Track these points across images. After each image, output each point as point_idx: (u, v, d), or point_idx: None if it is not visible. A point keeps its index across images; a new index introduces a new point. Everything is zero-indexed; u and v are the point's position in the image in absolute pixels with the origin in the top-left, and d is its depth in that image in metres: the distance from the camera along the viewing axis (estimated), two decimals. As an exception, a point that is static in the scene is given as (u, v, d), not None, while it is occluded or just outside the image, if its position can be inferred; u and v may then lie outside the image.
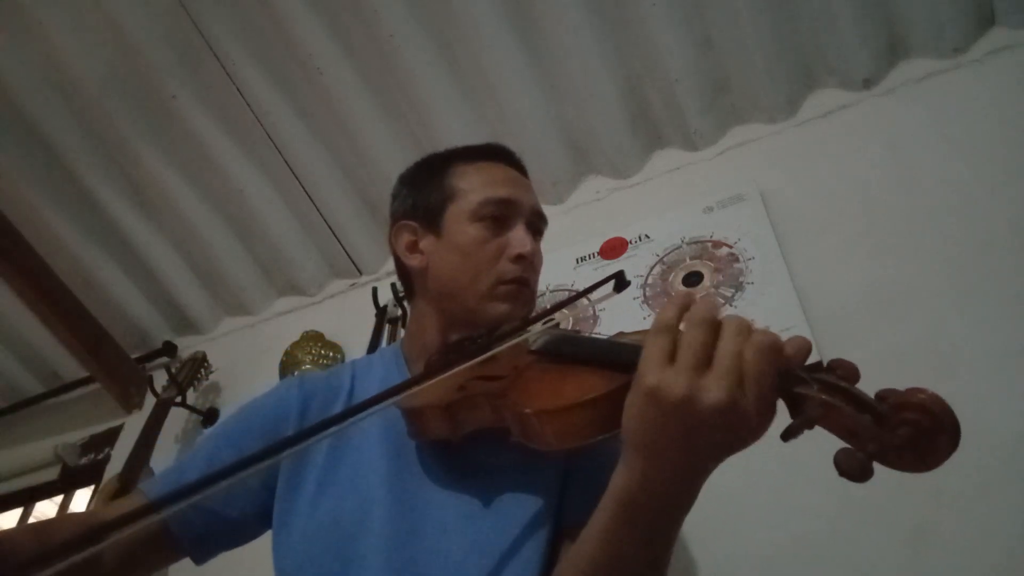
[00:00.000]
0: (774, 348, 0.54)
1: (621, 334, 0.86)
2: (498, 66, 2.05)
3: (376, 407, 0.67)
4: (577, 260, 2.05)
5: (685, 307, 0.58)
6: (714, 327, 0.56)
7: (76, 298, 2.34)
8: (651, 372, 0.56)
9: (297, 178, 2.30)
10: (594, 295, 0.89)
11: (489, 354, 0.77)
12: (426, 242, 0.99)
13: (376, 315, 2.17)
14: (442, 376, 0.73)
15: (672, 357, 0.55)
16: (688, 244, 1.91)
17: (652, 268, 1.92)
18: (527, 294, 0.98)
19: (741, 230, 1.85)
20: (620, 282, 0.86)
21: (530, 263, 0.97)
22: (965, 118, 1.77)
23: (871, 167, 1.82)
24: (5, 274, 2.19)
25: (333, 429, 0.64)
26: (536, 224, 1.02)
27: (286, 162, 2.27)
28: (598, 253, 2.04)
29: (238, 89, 2.15)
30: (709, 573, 1.39)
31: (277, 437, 0.90)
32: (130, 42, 2.08)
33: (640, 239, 2.00)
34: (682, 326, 0.58)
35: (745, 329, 0.56)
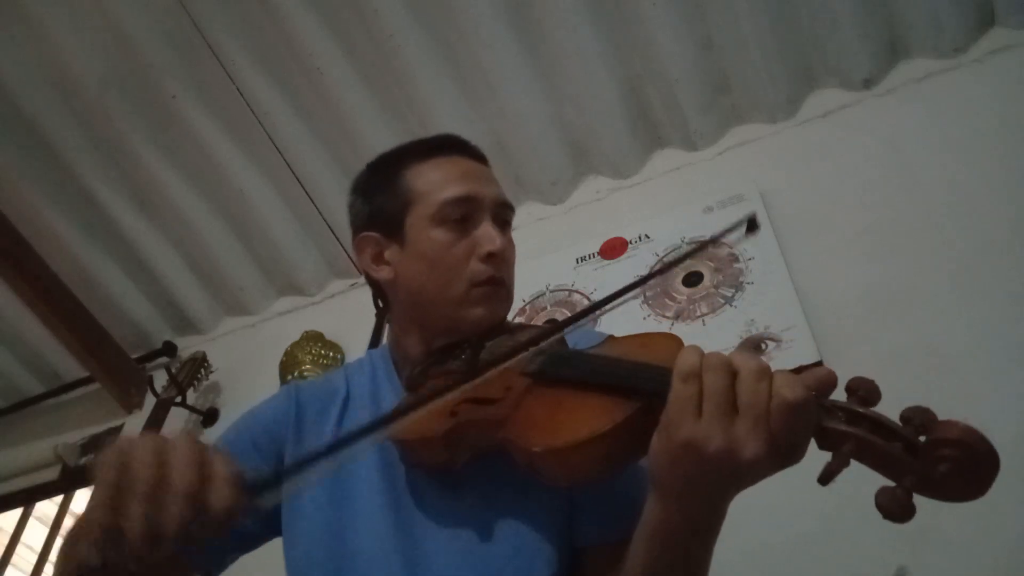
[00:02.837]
0: (807, 404, 0.55)
1: (611, 339, 0.84)
2: (498, 66, 2.05)
3: (366, 436, 0.64)
4: (577, 260, 2.05)
5: (701, 352, 0.59)
6: (728, 371, 0.56)
7: (76, 298, 2.34)
8: (682, 424, 0.56)
9: (297, 178, 2.30)
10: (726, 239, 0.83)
11: (479, 380, 0.72)
12: (391, 252, 0.94)
13: (376, 315, 2.16)
14: (429, 406, 0.70)
15: (698, 406, 0.56)
16: (688, 244, 1.91)
17: (652, 268, 1.91)
18: (503, 292, 0.93)
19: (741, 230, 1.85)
20: (752, 224, 0.83)
21: (502, 259, 0.92)
22: (965, 118, 1.77)
23: (871, 167, 1.81)
24: (5, 274, 2.19)
25: (326, 458, 0.63)
26: (503, 215, 0.96)
27: (286, 162, 2.27)
28: (598, 253, 2.04)
29: (238, 89, 2.15)
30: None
31: (276, 449, 0.91)
32: (130, 42, 2.08)
33: (640, 239, 2.00)
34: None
35: (766, 372, 0.56)
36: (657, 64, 2.02)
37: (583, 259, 2.04)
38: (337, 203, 2.34)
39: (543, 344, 0.78)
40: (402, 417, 0.68)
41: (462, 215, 0.91)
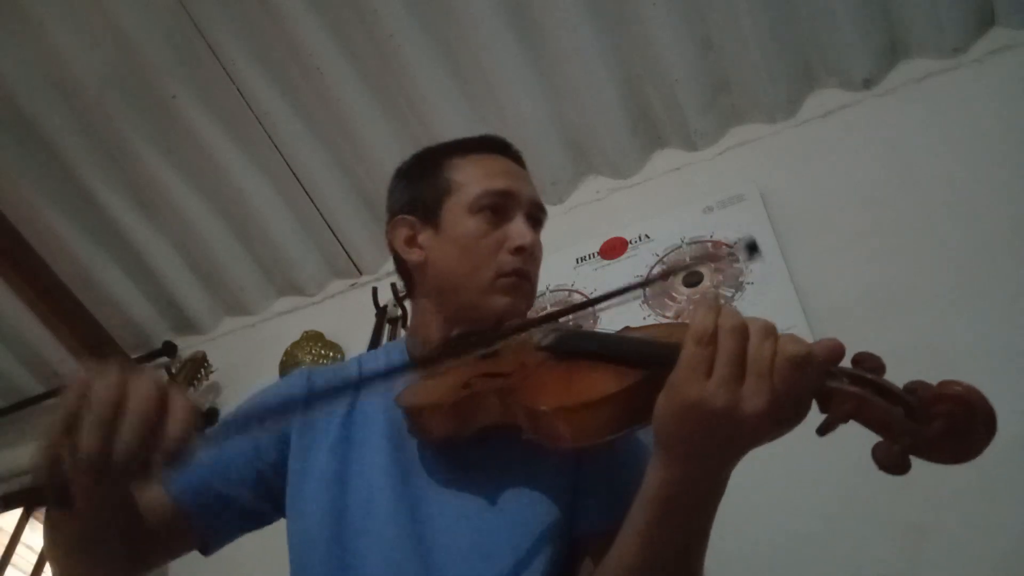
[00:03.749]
0: (808, 359, 0.55)
1: (628, 329, 0.85)
2: (498, 66, 2.05)
3: (382, 381, 0.66)
4: (577, 260, 2.05)
5: (717, 314, 0.58)
6: (744, 334, 0.57)
7: (76, 298, 2.34)
8: (691, 384, 0.57)
9: (297, 178, 2.30)
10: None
11: (493, 348, 0.75)
12: (424, 236, 0.98)
13: (376, 315, 2.17)
14: (447, 364, 0.71)
15: (709, 368, 0.56)
16: (688, 244, 1.91)
17: (652, 268, 1.92)
18: (527, 287, 0.97)
19: (741, 230, 1.85)
20: (752, 248, 0.85)
21: (530, 255, 0.96)
22: (965, 118, 1.77)
23: (871, 167, 1.82)
24: (5, 274, 2.19)
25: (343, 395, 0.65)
26: (535, 216, 1.01)
27: (286, 162, 2.27)
28: (598, 253, 2.04)
29: (238, 89, 2.15)
30: (708, 572, 1.39)
31: (283, 428, 0.92)
32: (130, 42, 2.08)
33: (640, 239, 2.00)
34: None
35: (772, 331, 0.57)
36: (657, 64, 2.02)
37: (583, 259, 2.04)
38: (337, 203, 2.34)
39: (556, 323, 0.80)
40: (423, 367, 0.72)
41: (498, 207, 0.95)
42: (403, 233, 1.00)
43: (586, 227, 2.11)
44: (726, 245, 1.84)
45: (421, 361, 0.73)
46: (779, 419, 0.56)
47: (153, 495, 0.84)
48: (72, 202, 2.36)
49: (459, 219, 0.95)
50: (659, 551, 0.65)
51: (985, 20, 1.88)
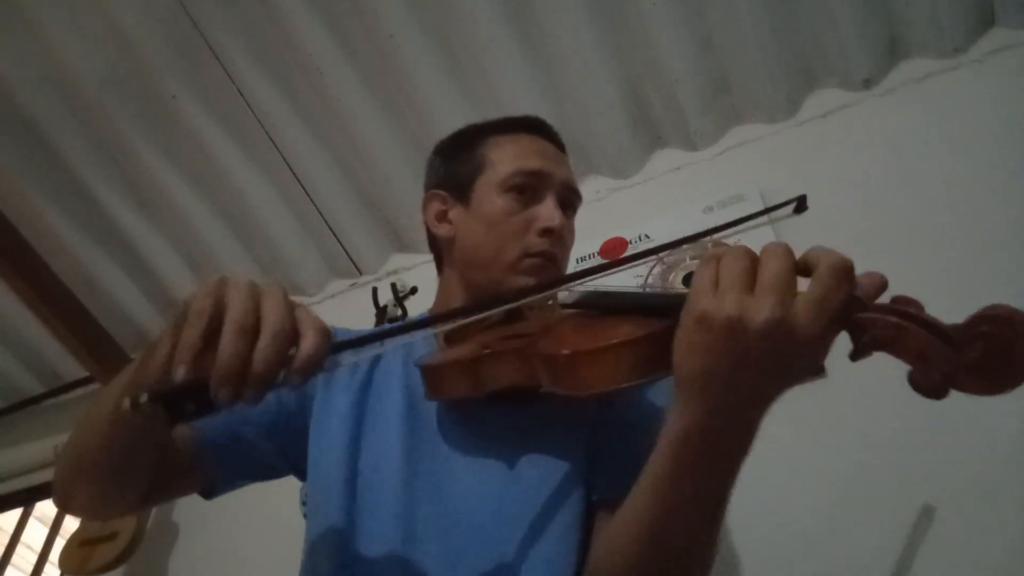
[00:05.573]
0: (849, 271, 0.53)
1: None
2: (498, 66, 2.05)
3: (409, 333, 0.66)
4: (577, 260, 2.05)
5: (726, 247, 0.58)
6: (748, 254, 0.55)
7: (76, 298, 2.34)
8: (699, 300, 0.55)
9: (297, 178, 2.30)
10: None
11: (520, 303, 0.75)
12: (455, 212, 1.00)
13: (376, 315, 2.17)
14: (471, 318, 0.72)
15: (717, 283, 0.55)
16: (688, 245, 1.91)
17: (652, 268, 1.92)
18: (553, 269, 0.96)
19: (741, 231, 1.85)
20: (800, 205, 0.85)
21: (559, 238, 0.96)
22: (965, 118, 1.77)
23: (871, 167, 1.82)
24: (5, 274, 2.19)
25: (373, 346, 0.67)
26: (569, 199, 1.01)
27: (286, 162, 2.27)
28: (598, 253, 2.04)
29: (238, 89, 2.15)
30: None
31: (302, 390, 0.91)
32: (130, 42, 2.08)
33: (640, 239, 2.00)
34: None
35: (783, 253, 0.55)
36: (657, 64, 2.02)
37: (583, 259, 2.04)
38: (337, 203, 2.34)
39: (580, 283, 0.81)
40: (446, 321, 0.73)
41: (529, 188, 0.95)
42: (435, 208, 1.02)
43: (586, 227, 2.08)
44: (726, 245, 1.84)
45: (443, 317, 0.73)
46: (791, 336, 0.53)
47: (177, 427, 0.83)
48: (72, 202, 2.36)
49: (489, 197, 0.96)
50: (674, 499, 0.62)
51: (985, 20, 1.88)
